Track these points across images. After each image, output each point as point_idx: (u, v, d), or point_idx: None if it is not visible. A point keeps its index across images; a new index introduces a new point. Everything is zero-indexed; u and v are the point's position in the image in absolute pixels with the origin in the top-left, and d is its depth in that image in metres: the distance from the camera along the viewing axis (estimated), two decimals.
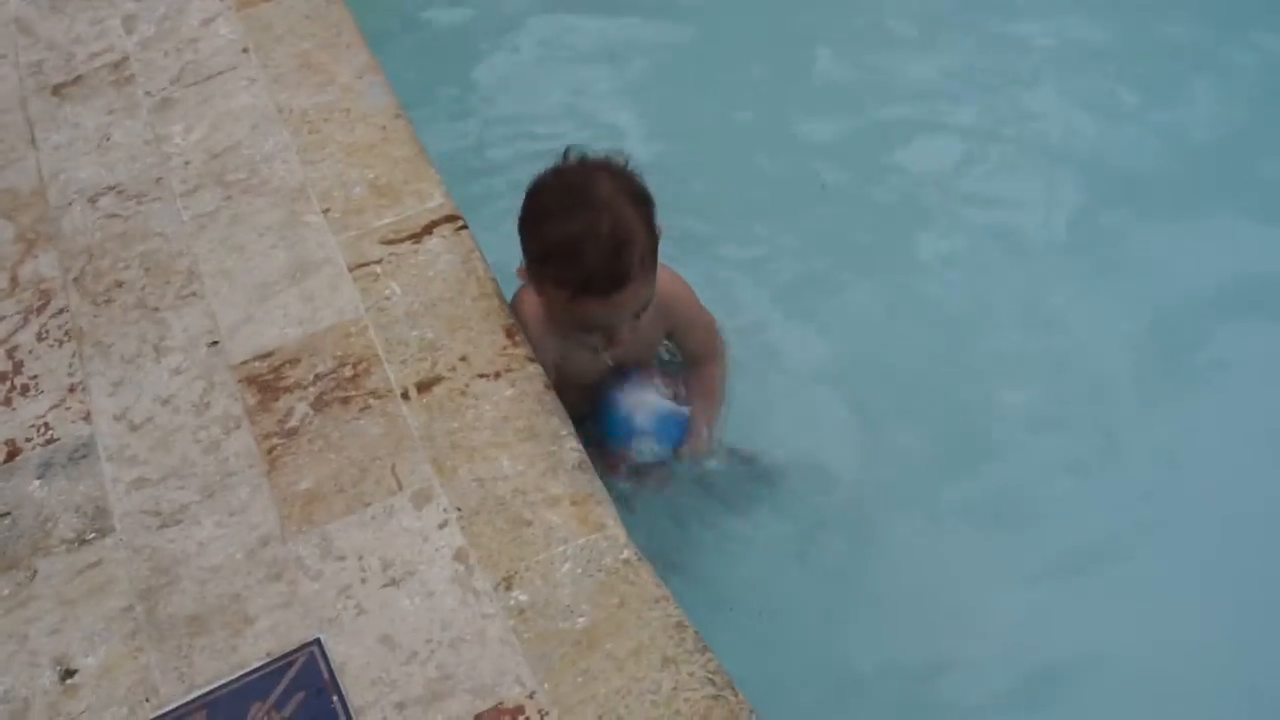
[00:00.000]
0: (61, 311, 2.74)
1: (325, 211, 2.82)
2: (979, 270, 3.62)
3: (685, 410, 2.83)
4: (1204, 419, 3.19)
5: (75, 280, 2.80)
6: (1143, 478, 3.08)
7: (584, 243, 2.39)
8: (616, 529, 2.20)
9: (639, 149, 3.20)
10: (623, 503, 2.87)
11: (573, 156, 2.55)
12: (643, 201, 2.48)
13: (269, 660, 2.11)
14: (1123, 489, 3.07)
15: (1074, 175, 3.81)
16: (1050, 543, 3.01)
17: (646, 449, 2.79)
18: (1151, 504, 3.03)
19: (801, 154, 3.97)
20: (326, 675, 2.07)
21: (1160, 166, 3.81)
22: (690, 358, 2.95)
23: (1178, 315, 3.41)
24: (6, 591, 2.28)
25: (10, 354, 2.69)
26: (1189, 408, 3.23)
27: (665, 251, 2.60)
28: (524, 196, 2.53)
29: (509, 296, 2.67)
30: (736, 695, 1.97)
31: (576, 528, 2.20)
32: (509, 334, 2.52)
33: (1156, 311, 3.42)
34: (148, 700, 2.10)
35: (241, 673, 2.10)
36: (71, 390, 2.59)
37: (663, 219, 2.54)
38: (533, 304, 2.64)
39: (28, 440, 2.52)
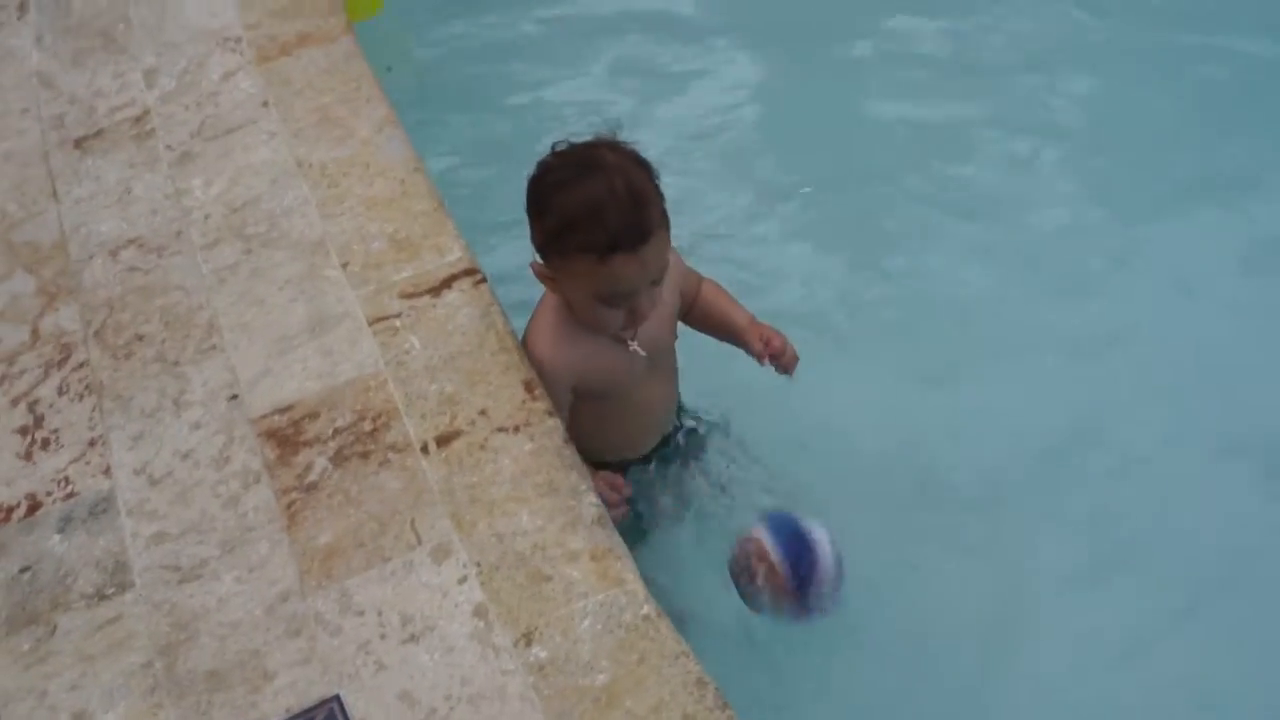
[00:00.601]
0: (82, 365, 2.75)
1: (344, 265, 2.83)
2: None
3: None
4: None
5: (96, 334, 2.81)
6: None
7: (604, 201, 2.38)
8: (636, 584, 2.20)
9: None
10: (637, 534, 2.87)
11: (562, 145, 2.54)
12: (647, 165, 2.48)
13: (288, 716, 2.11)
14: None
15: None
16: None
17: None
18: None
19: None
20: None
21: None
22: (690, 299, 2.90)
23: None
24: (26, 647, 2.28)
25: (31, 408, 2.69)
26: None
27: None
28: (528, 187, 2.51)
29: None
30: None
31: (596, 583, 2.20)
32: (528, 388, 2.52)
33: None
34: None
35: None
36: (92, 444, 2.60)
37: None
38: (550, 317, 2.62)
39: (48, 494, 2.53)
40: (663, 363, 2.80)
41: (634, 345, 2.63)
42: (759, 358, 2.80)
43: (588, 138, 2.51)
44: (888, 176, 4.11)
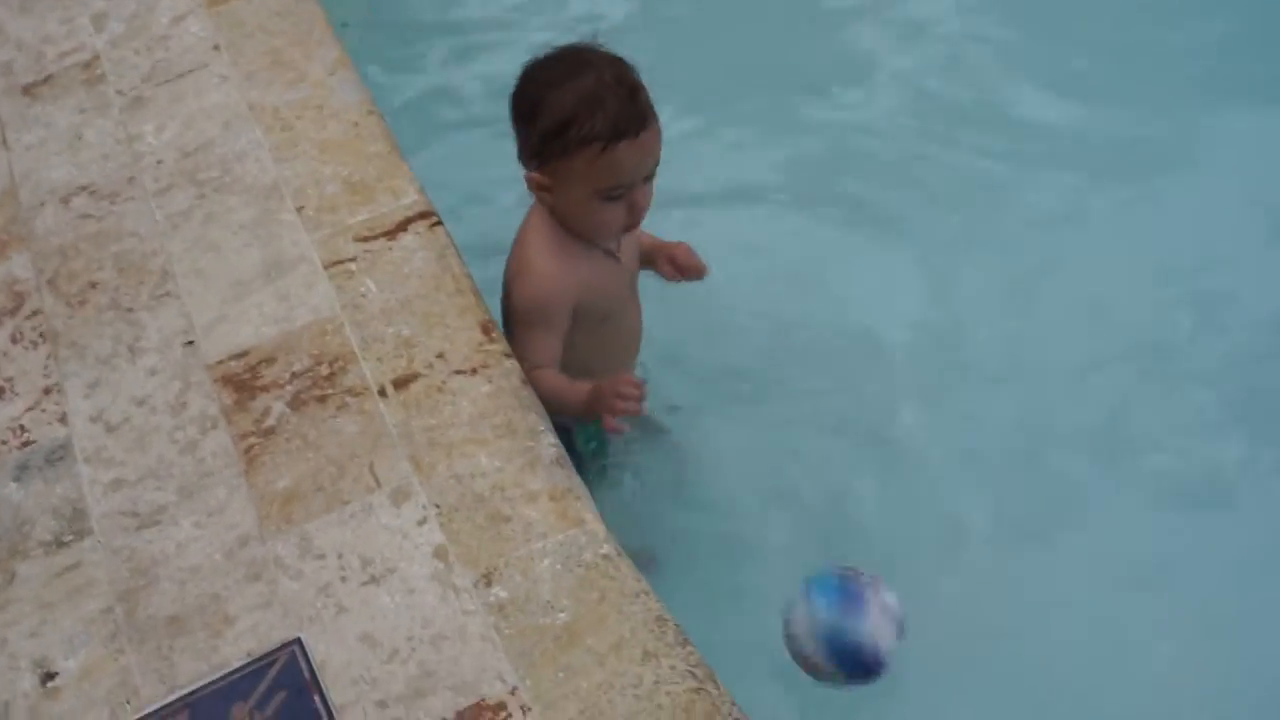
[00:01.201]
0: (35, 313, 2.73)
1: (299, 209, 2.82)
2: None
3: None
4: None
5: (49, 282, 2.79)
6: None
7: (601, 92, 2.38)
8: (596, 524, 2.21)
9: None
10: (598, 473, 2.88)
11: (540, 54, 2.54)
12: (630, 63, 2.47)
13: (250, 660, 2.11)
14: None
15: None
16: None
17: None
18: None
19: None
20: (307, 674, 2.07)
21: None
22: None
23: None
24: None
25: None
26: None
27: None
28: (513, 97, 2.50)
29: (484, 287, 2.66)
30: (718, 687, 1.98)
31: (556, 523, 2.21)
32: (485, 330, 2.52)
33: None
34: (129, 702, 2.09)
35: (222, 673, 2.10)
36: (47, 392, 2.59)
37: None
38: (546, 238, 2.56)
39: (3, 443, 2.51)
40: (636, 284, 2.81)
41: (623, 260, 2.64)
42: (669, 278, 2.82)
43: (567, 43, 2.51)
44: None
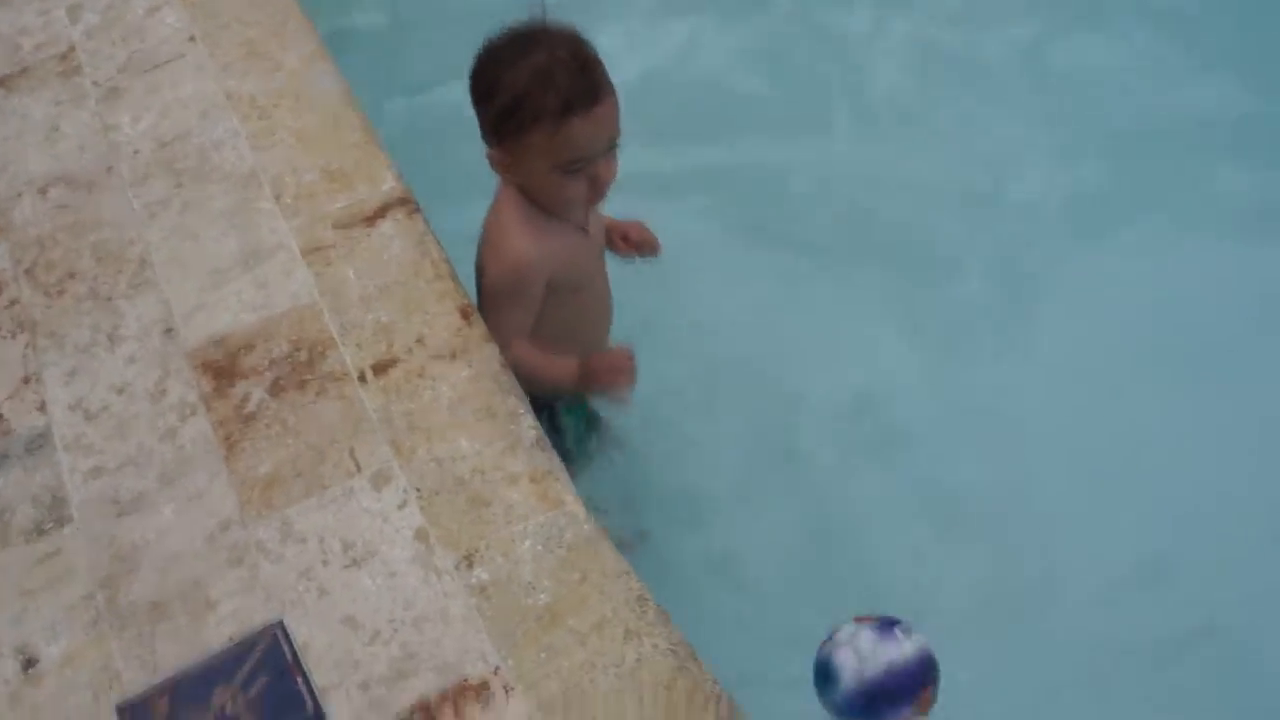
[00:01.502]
0: (13, 303, 2.73)
1: (277, 197, 2.82)
2: None
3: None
4: None
5: (27, 272, 2.78)
6: None
7: (551, 67, 2.40)
8: (576, 505, 2.21)
9: None
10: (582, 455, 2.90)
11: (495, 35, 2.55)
12: (584, 38, 2.49)
13: (232, 644, 2.11)
14: None
15: None
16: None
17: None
18: None
19: None
20: (290, 657, 2.07)
21: None
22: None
23: None
24: None
25: None
26: None
27: None
28: (470, 78, 2.52)
29: (461, 273, 2.66)
30: (699, 666, 1.98)
31: (536, 504, 2.21)
32: (464, 315, 2.52)
33: None
34: (111, 687, 2.09)
35: (205, 657, 2.10)
36: (26, 381, 2.58)
37: None
38: (516, 214, 2.58)
39: None
40: (604, 257, 2.84)
41: (591, 232, 2.67)
42: (623, 254, 2.87)
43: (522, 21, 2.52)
44: None
